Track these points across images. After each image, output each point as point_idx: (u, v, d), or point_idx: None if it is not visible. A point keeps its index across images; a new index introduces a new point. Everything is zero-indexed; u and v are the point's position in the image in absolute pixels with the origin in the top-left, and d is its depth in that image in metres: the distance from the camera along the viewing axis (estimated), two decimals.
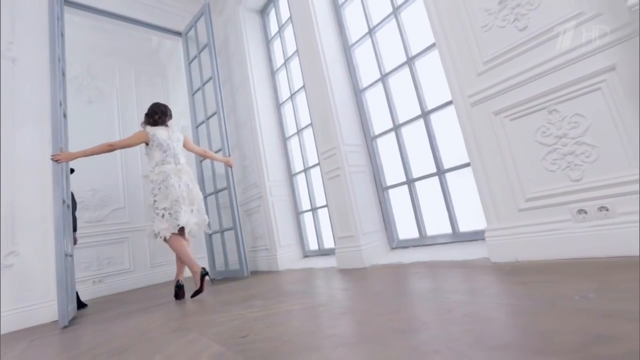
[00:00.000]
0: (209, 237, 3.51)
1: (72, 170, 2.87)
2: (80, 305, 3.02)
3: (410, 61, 2.29)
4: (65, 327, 2.12)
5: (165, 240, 2.40)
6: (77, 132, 3.74)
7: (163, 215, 2.39)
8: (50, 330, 2.10)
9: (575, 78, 1.31)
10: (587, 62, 1.28)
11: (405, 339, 0.87)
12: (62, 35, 2.90)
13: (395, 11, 2.38)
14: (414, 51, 2.27)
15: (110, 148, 2.41)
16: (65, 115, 2.75)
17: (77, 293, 2.89)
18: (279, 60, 3.70)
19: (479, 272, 1.46)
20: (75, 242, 3.00)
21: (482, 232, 1.70)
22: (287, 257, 3.24)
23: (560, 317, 0.82)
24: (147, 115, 2.65)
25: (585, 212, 1.29)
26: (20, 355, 1.55)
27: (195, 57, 3.74)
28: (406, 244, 2.36)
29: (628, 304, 0.80)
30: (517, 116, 1.49)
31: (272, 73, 3.74)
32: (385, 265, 2.16)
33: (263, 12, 3.88)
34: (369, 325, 1.05)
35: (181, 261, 2.49)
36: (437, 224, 2.20)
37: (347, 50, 2.77)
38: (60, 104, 2.54)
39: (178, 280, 2.53)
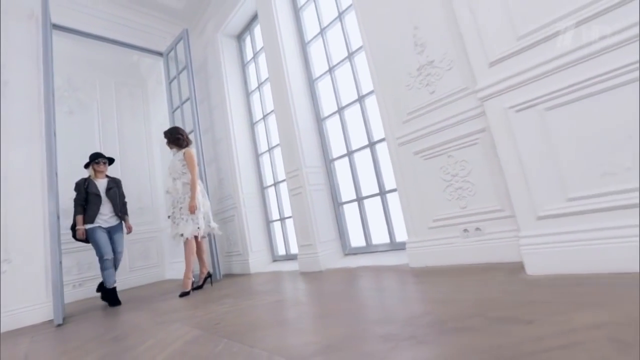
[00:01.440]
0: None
1: (112, 160, 3.34)
2: (116, 302, 3.02)
3: (360, 99, 2.76)
4: (59, 325, 2.43)
5: (187, 240, 2.81)
6: (59, 143, 3.96)
7: (187, 220, 2.79)
8: (46, 328, 2.40)
9: (463, 134, 1.81)
10: (469, 124, 1.78)
11: (324, 319, 1.32)
12: (52, 60, 3.16)
13: (350, 56, 2.85)
14: (364, 91, 2.75)
15: (197, 180, 2.93)
16: (55, 134, 3.02)
17: (115, 289, 3.06)
18: (253, 83, 4.10)
19: (398, 274, 1.94)
20: (129, 230, 3.30)
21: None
22: (257, 262, 3.64)
23: (419, 303, 1.29)
24: (187, 136, 3.12)
25: (467, 231, 1.79)
26: (29, 347, 1.88)
27: (175, 77, 4.07)
28: (356, 251, 2.83)
29: (460, 295, 1.29)
30: (428, 157, 1.98)
31: (247, 94, 4.13)
32: (338, 269, 2.62)
33: (240, 37, 4.27)
34: (306, 311, 1.50)
35: (188, 260, 2.85)
36: (380, 235, 2.68)
37: (311, 82, 3.22)
38: (53, 126, 2.83)
39: (207, 272, 3.09)
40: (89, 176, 3.19)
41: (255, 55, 4.00)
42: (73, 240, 4.38)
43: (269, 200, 3.89)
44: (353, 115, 2.89)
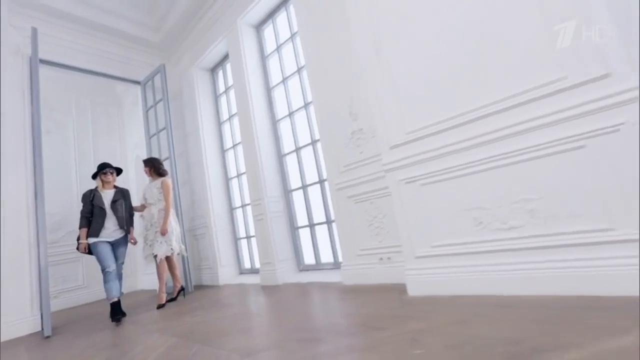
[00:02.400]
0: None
1: (120, 171, 3.35)
2: (115, 315, 2.94)
3: (313, 143, 3.36)
4: (48, 336, 2.82)
5: (160, 260, 3.26)
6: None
7: (161, 242, 3.23)
8: (36, 340, 2.78)
9: (381, 187, 2.43)
10: (384, 180, 2.42)
11: (271, 327, 1.89)
12: (39, 93, 3.49)
13: (306, 106, 3.44)
14: (316, 137, 3.35)
15: (171, 207, 3.36)
16: (41, 160, 3.37)
17: (117, 303, 2.97)
18: (224, 114, 4.59)
19: (333, 290, 2.55)
20: (133, 242, 3.28)
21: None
22: (226, 274, 4.14)
23: (334, 315, 1.89)
24: (162, 165, 3.51)
25: (382, 259, 2.43)
26: (32, 357, 2.29)
27: (152, 106, 4.47)
28: (308, 268, 3.42)
29: (362, 309, 1.90)
30: (357, 201, 2.61)
31: (219, 123, 4.62)
32: (293, 284, 3.20)
33: (213, 70, 4.74)
34: (260, 321, 2.06)
35: (162, 278, 3.32)
36: (326, 255, 3.29)
37: (274, 122, 3.78)
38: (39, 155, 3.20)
39: (181, 286, 3.50)
40: (96, 187, 3.16)
41: (227, 90, 4.50)
42: (54, 253, 4.67)
43: (237, 220, 4.39)
44: (308, 154, 3.48)
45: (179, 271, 3.59)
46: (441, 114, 1.87)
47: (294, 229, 3.56)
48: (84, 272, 4.94)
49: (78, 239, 3.08)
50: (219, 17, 4.07)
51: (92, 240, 3.00)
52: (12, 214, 3.20)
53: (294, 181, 3.61)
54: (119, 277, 3.09)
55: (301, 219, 3.55)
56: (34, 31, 3.32)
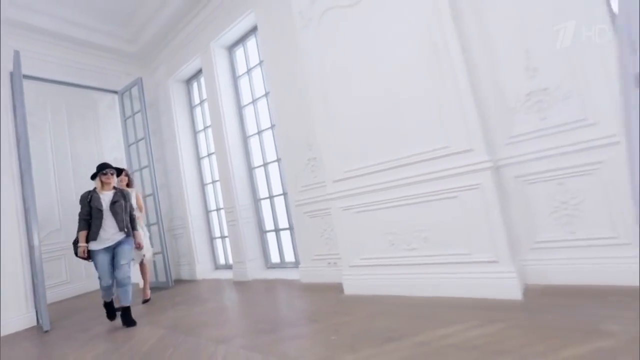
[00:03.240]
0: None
1: (120, 171, 3.22)
2: (111, 315, 3.07)
3: (278, 160, 3.89)
4: (47, 330, 3.27)
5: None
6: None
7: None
8: (36, 334, 3.23)
9: (329, 207, 3.03)
10: (329, 202, 3.01)
11: (239, 320, 2.48)
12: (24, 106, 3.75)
13: (272, 127, 3.93)
14: (280, 156, 3.87)
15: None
16: (31, 169, 3.68)
17: (111, 304, 3.05)
18: (200, 124, 4.98)
19: (292, 287, 3.17)
20: (138, 247, 3.15)
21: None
22: (203, 269, 4.68)
23: (287, 309, 2.51)
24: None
25: (330, 263, 3.07)
26: (39, 350, 2.76)
27: (130, 117, 4.78)
28: (274, 266, 4.03)
29: (308, 305, 2.53)
30: (312, 216, 3.20)
31: (195, 133, 5.01)
32: (261, 280, 3.79)
33: (188, 82, 5.08)
34: (232, 314, 2.65)
35: (147, 279, 3.77)
36: (289, 255, 3.90)
37: (245, 138, 4.25)
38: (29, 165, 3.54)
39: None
40: (94, 188, 3.02)
41: (202, 102, 4.87)
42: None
43: (213, 222, 4.90)
44: (274, 169, 4.01)
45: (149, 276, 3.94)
46: (369, 160, 2.48)
47: (262, 232, 4.14)
48: (67, 269, 5.29)
49: (75, 243, 2.94)
50: (194, 37, 4.41)
51: (92, 245, 2.86)
52: (4, 216, 3.54)
53: (262, 191, 4.15)
54: (127, 280, 2.95)
55: (268, 224, 4.12)
56: (17, 54, 3.56)
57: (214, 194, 4.81)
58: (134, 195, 3.78)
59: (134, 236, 3.07)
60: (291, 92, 3.30)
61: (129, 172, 4.12)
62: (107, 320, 3.21)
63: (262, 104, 4.06)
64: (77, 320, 3.53)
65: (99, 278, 2.91)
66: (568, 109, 1.95)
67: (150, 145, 4.51)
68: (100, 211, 2.89)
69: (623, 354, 1.25)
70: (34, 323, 3.57)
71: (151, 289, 4.55)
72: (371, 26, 2.43)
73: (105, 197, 2.97)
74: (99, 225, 2.87)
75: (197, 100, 4.99)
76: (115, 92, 4.96)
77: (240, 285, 3.75)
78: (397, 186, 2.33)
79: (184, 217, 4.75)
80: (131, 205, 3.16)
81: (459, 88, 2.07)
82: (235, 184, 4.04)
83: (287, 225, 3.86)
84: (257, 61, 4.04)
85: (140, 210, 3.81)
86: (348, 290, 2.62)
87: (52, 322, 3.61)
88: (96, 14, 4.43)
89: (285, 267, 3.91)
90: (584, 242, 1.91)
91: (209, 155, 4.83)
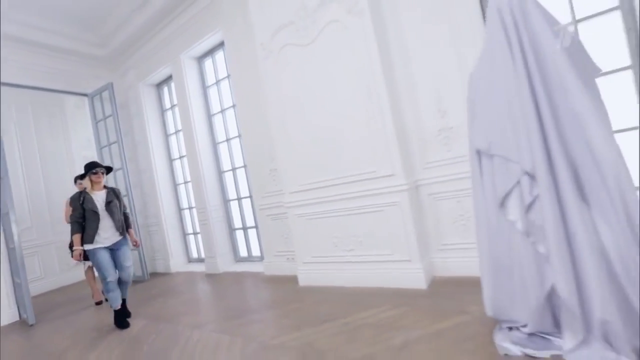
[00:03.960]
0: None
1: (110, 169, 3.08)
2: (123, 323, 2.94)
3: (245, 166, 4.33)
4: (32, 324, 3.60)
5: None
6: None
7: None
8: (23, 328, 3.56)
9: (285, 212, 3.55)
10: (289, 208, 3.52)
11: (211, 309, 2.99)
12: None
13: (240, 136, 4.34)
14: (246, 162, 4.31)
15: None
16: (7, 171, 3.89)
17: (121, 311, 2.98)
18: (171, 127, 5.26)
19: (256, 279, 3.70)
20: (136, 244, 3.12)
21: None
22: (176, 263, 5.09)
23: (251, 299, 3.05)
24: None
25: (288, 259, 3.62)
26: (31, 342, 3.13)
27: (102, 120, 4.97)
28: (242, 260, 4.53)
29: (269, 295, 3.08)
30: (274, 218, 3.71)
31: (166, 135, 5.29)
32: (230, 272, 4.29)
33: (159, 86, 5.30)
34: (205, 304, 3.15)
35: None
36: (256, 250, 4.41)
37: (214, 144, 4.63)
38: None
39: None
40: (84, 189, 2.92)
41: (173, 107, 5.14)
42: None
43: (185, 219, 5.28)
44: (242, 173, 4.44)
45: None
46: (318, 177, 3.01)
47: (231, 230, 4.60)
48: (40, 265, 5.49)
49: (70, 246, 2.91)
50: (164, 47, 4.64)
51: (88, 247, 2.80)
52: None
53: (231, 193, 4.59)
54: (127, 281, 2.98)
55: (237, 223, 4.58)
56: None
57: (186, 194, 5.17)
58: None
59: (129, 234, 3.04)
60: (255, 108, 3.71)
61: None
62: (87, 312, 3.59)
63: (230, 113, 4.44)
64: (59, 313, 3.88)
65: (103, 277, 2.81)
66: (466, 144, 2.56)
67: (123, 148, 4.76)
68: (96, 213, 2.81)
69: (474, 326, 1.89)
70: (17, 318, 3.87)
71: None
72: (320, 64, 2.90)
73: (99, 198, 2.88)
74: (96, 228, 2.80)
75: (168, 105, 5.25)
76: (85, 94, 5.10)
77: (212, 277, 4.23)
78: (339, 200, 2.88)
79: (158, 215, 5.09)
80: (124, 203, 3.10)
81: (385, 124, 2.62)
82: (206, 186, 4.45)
83: (253, 224, 4.35)
84: (225, 74, 4.39)
85: None
86: (302, 282, 3.20)
87: (35, 316, 3.93)
88: (63, 19, 4.53)
89: (252, 261, 4.43)
90: (472, 245, 2.56)
91: (180, 157, 5.15)
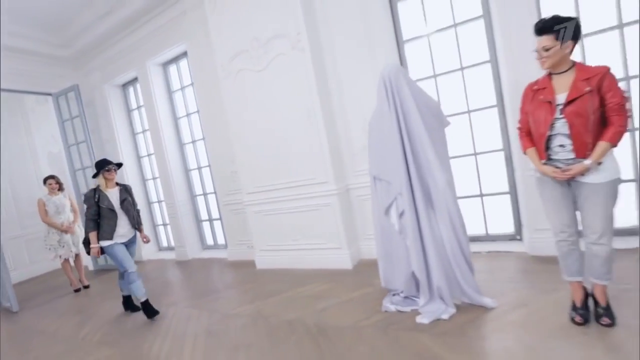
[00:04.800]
0: None
1: (120, 166, 3.14)
2: (153, 312, 3.00)
3: (209, 166, 4.86)
4: (16, 311, 4.03)
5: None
6: None
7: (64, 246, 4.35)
8: (7, 315, 3.99)
9: (244, 207, 4.19)
10: (248, 206, 4.17)
11: (181, 291, 3.63)
12: None
13: (204, 139, 4.84)
14: (210, 163, 4.84)
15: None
16: None
17: (147, 300, 3.03)
18: (138, 126, 5.60)
19: (222, 265, 4.35)
20: (147, 241, 3.20)
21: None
22: (148, 252, 5.59)
23: (213, 282, 3.72)
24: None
25: (248, 247, 4.28)
26: (18, 326, 3.60)
27: (69, 120, 5.22)
28: (209, 247, 5.15)
29: (230, 279, 3.76)
30: (236, 213, 4.33)
31: (134, 134, 5.64)
32: (198, 259, 4.90)
33: (124, 86, 5.58)
34: (177, 288, 3.77)
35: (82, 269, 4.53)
36: (221, 239, 5.04)
37: (181, 145, 5.10)
38: None
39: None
40: (98, 186, 2.96)
41: (139, 107, 5.48)
42: None
43: (155, 212, 5.74)
44: (207, 172, 4.98)
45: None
46: (270, 181, 3.66)
47: (198, 221, 5.17)
48: (11, 258, 5.74)
49: (86, 243, 2.96)
50: (129, 52, 4.95)
51: (106, 243, 2.90)
52: None
53: (198, 189, 5.12)
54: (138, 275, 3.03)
55: (204, 215, 5.16)
56: None
57: (155, 188, 5.61)
58: (67, 199, 4.43)
59: (139, 231, 3.14)
60: (217, 115, 4.23)
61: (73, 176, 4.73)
62: (67, 299, 4.08)
63: (196, 117, 4.91)
64: (40, 301, 4.32)
65: (124, 269, 2.92)
66: None
67: (92, 148, 5.08)
68: (113, 211, 2.90)
69: (374, 294, 2.67)
70: None
71: (101, 270, 5.39)
72: (271, 88, 3.49)
73: (113, 195, 2.96)
74: (114, 225, 2.90)
75: (134, 105, 5.57)
76: (49, 94, 5.29)
77: (182, 263, 4.82)
78: (287, 200, 3.57)
79: None
80: (135, 200, 3.17)
81: (321, 140, 3.30)
82: (174, 183, 4.94)
83: (218, 217, 4.95)
84: (190, 81, 4.81)
85: (75, 213, 4.48)
86: (258, 266, 3.90)
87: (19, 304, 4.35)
88: (25, 21, 4.69)
89: (217, 248, 5.05)
90: None
91: (148, 155, 5.55)
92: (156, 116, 4.88)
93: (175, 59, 4.87)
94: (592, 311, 1.88)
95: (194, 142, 4.99)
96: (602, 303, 1.84)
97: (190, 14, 4.19)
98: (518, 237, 3.08)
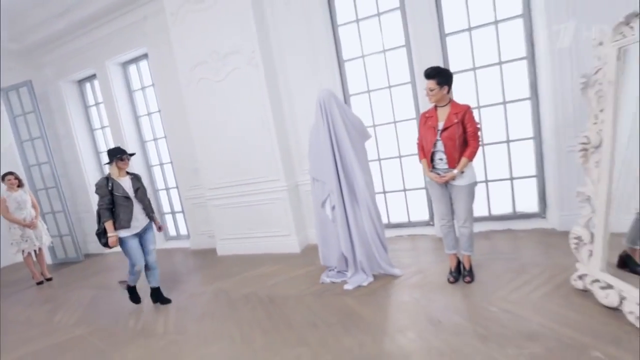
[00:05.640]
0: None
1: (132, 155, 3.08)
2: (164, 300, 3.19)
3: (171, 162, 5.20)
4: None
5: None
6: None
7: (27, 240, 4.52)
8: None
9: (206, 201, 4.64)
10: (210, 200, 4.62)
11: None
12: None
13: (166, 137, 5.15)
14: (173, 160, 5.18)
15: None
16: None
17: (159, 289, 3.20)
18: (97, 122, 5.72)
19: (184, 253, 4.78)
20: (160, 229, 3.21)
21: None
22: None
23: (177, 270, 4.19)
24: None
25: (209, 237, 4.76)
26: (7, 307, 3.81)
27: (21, 115, 5.22)
28: (172, 238, 5.52)
29: (193, 265, 4.24)
30: (198, 206, 4.77)
31: (92, 130, 5.75)
32: (162, 249, 5.25)
33: (80, 82, 5.65)
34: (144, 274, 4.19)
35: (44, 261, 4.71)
36: (183, 229, 5.43)
37: (143, 141, 5.35)
38: None
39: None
40: (109, 175, 2.93)
41: (97, 104, 5.60)
42: None
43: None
44: (169, 168, 5.31)
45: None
46: (230, 178, 4.16)
47: (161, 214, 5.51)
48: None
49: (100, 234, 2.88)
50: (88, 50, 5.05)
51: (123, 233, 2.88)
52: None
53: (160, 184, 5.44)
54: (154, 266, 3.13)
55: (166, 208, 5.50)
56: None
57: None
58: (28, 194, 4.57)
59: (154, 220, 3.13)
60: (179, 116, 4.56)
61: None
62: (31, 291, 4.31)
63: (157, 116, 5.19)
64: (4, 293, 4.48)
65: (133, 264, 2.98)
66: None
67: (48, 143, 5.16)
68: (129, 199, 2.88)
69: (315, 271, 3.33)
70: None
71: (63, 263, 5.55)
72: (229, 97, 3.96)
73: (126, 184, 2.93)
74: (130, 214, 2.87)
75: (92, 101, 5.66)
76: None
77: None
78: (245, 195, 4.10)
79: (88, 202, 5.67)
80: (146, 189, 3.15)
81: (272, 144, 3.86)
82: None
83: (180, 209, 5.33)
84: (151, 82, 5.07)
85: (35, 207, 4.61)
86: (219, 252, 4.41)
87: None
88: None
89: (180, 239, 5.45)
90: None
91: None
92: (117, 114, 5.08)
93: (135, 59, 5.08)
94: (461, 274, 2.68)
95: (155, 139, 5.28)
96: (467, 267, 2.65)
97: (151, 19, 4.46)
98: (431, 223, 3.90)
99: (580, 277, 2.19)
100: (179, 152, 4.76)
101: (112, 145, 5.48)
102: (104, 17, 4.71)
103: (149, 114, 5.22)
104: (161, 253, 5.09)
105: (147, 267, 3.11)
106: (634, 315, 1.78)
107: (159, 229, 3.19)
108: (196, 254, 4.68)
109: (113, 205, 2.85)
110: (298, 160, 4.08)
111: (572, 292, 2.21)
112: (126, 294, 3.29)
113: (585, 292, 2.16)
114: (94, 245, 5.81)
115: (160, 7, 4.25)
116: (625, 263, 2.13)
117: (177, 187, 5.25)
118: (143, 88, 5.17)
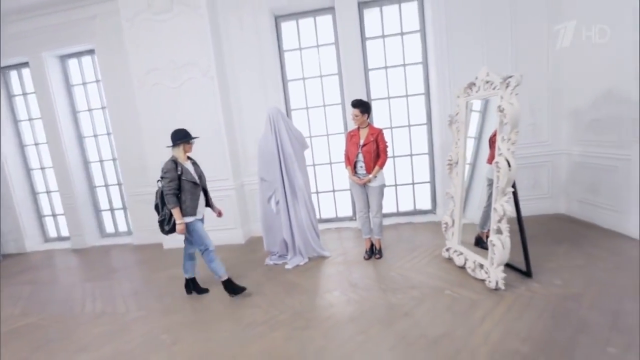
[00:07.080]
0: None
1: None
2: (238, 289, 3.00)
3: (114, 160, 5.27)
4: None
5: None
6: None
7: None
8: None
9: (151, 197, 4.89)
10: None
11: (93, 269, 4.18)
12: None
13: (109, 134, 5.21)
14: (117, 156, 5.26)
15: None
16: None
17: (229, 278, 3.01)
18: (23, 113, 5.43)
19: (127, 249, 4.92)
20: (220, 214, 3.12)
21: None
22: (32, 243, 5.52)
23: (123, 261, 4.39)
24: None
25: (153, 231, 5.00)
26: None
27: None
28: (109, 235, 5.53)
29: (143, 258, 4.48)
30: (140, 202, 4.97)
31: (16, 121, 5.44)
32: (97, 246, 5.25)
33: (4, 70, 5.32)
34: (84, 268, 4.27)
35: None
36: (122, 226, 5.50)
37: (81, 137, 5.30)
38: None
39: None
40: (175, 158, 2.79)
41: (25, 94, 5.34)
42: None
43: (41, 201, 5.67)
44: (110, 165, 5.35)
45: None
46: None
47: (97, 211, 5.48)
48: None
49: (164, 221, 2.79)
50: (21, 38, 4.87)
51: (189, 219, 2.78)
52: None
53: (99, 181, 5.43)
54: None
55: (104, 205, 5.50)
56: None
57: (44, 178, 5.56)
58: None
59: (212, 206, 3.06)
60: (127, 114, 4.74)
61: None
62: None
63: (98, 113, 5.21)
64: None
65: (205, 247, 2.86)
66: None
67: None
68: (197, 185, 2.80)
69: (260, 257, 3.94)
70: None
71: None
72: (185, 103, 4.35)
73: (190, 169, 2.84)
74: (197, 200, 2.78)
75: (18, 91, 5.37)
76: None
77: (80, 251, 5.12)
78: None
79: (8, 197, 5.33)
80: None
81: (224, 148, 4.37)
82: (72, 174, 5.15)
83: (120, 206, 5.40)
84: (94, 77, 5.09)
85: None
86: (166, 246, 4.71)
87: None
88: None
89: (119, 235, 5.49)
90: None
91: (36, 144, 5.46)
92: (52, 107, 4.99)
93: (78, 54, 5.07)
94: (374, 252, 3.59)
95: (95, 136, 5.29)
96: (378, 248, 3.57)
97: (102, 19, 4.60)
98: (354, 218, 4.82)
99: (447, 250, 3.25)
100: (125, 150, 4.91)
101: (40, 140, 5.33)
102: (48, 8, 4.65)
103: (89, 109, 5.22)
104: (97, 249, 5.13)
105: (191, 257, 3.05)
106: (470, 269, 2.84)
107: (219, 214, 3.11)
108: (140, 249, 4.87)
109: (180, 191, 2.72)
110: (244, 163, 4.65)
111: (441, 260, 3.26)
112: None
113: (450, 260, 3.21)
114: (13, 245, 5.49)
115: (113, 9, 4.44)
116: (478, 242, 3.24)
117: (120, 184, 5.32)
118: (85, 83, 5.16)
